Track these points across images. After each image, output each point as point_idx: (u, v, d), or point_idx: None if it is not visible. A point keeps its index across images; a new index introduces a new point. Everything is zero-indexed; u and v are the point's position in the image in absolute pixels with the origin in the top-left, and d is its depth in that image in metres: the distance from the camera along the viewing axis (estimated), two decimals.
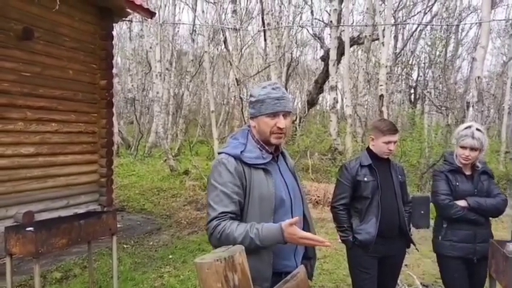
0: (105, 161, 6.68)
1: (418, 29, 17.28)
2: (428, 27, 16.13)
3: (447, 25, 12.85)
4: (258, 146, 1.85)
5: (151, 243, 5.80)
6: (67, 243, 3.11)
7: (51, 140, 5.78)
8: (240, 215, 1.75)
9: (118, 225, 6.35)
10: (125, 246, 5.56)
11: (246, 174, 1.75)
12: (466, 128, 2.80)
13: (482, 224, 2.77)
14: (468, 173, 2.85)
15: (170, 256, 5.14)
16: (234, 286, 1.28)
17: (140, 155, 15.89)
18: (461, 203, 2.76)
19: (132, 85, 21.05)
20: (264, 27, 10.92)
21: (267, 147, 1.86)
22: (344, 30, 13.22)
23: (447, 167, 2.89)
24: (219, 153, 1.83)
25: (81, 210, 5.88)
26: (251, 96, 1.87)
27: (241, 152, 1.78)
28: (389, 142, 2.77)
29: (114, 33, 7.26)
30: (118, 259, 4.83)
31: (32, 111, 5.44)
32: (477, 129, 2.75)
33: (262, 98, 1.80)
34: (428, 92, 13.53)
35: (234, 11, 12.00)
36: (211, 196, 1.74)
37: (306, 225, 1.91)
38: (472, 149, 2.74)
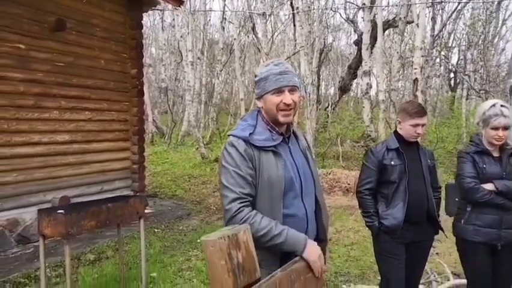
0: (137, 148, 6.88)
1: (457, 9, 16.43)
2: (468, 7, 15.33)
3: (483, 2, 12.08)
4: (268, 127, 1.78)
5: (181, 227, 5.94)
6: (95, 225, 3.23)
7: (85, 128, 6.00)
8: (254, 198, 1.72)
9: (150, 211, 6.58)
10: (156, 230, 5.72)
11: (256, 157, 1.71)
12: (491, 106, 2.61)
13: (510, 209, 2.60)
14: (496, 154, 2.68)
15: (199, 240, 5.24)
16: (238, 264, 1.28)
17: (174, 143, 16.24)
18: (489, 186, 2.60)
19: (165, 75, 21.44)
20: (292, 11, 10.74)
21: (277, 128, 1.79)
22: (377, 14, 12.79)
23: (473, 148, 2.72)
24: (229, 135, 1.79)
25: (114, 195, 6.10)
26: (255, 76, 1.81)
27: (249, 134, 1.73)
28: (416, 125, 2.65)
29: (148, 24, 7.43)
30: (149, 243, 4.99)
31: (66, 100, 5.66)
32: (502, 106, 2.58)
33: (265, 75, 1.74)
34: (466, 75, 12.90)
35: None
36: (225, 178, 1.70)
37: (318, 208, 1.87)
38: (505, 128, 2.57)
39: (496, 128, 2.59)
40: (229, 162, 1.71)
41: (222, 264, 1.26)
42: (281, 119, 1.75)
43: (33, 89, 5.24)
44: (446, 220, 3.13)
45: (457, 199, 5.00)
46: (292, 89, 1.74)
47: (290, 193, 1.74)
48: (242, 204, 1.65)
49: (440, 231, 2.85)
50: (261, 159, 1.72)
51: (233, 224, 1.63)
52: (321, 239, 1.87)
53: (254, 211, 1.67)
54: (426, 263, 3.13)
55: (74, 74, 5.76)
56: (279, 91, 1.73)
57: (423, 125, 2.69)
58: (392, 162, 2.70)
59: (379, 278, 2.98)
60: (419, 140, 2.86)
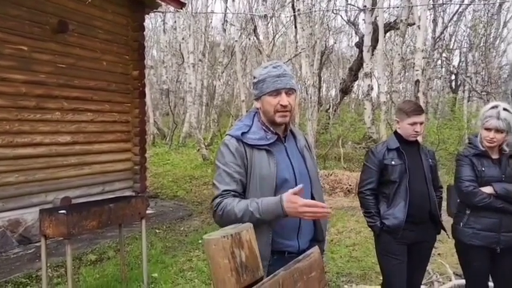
0: (138, 149, 6.89)
1: (458, 11, 16.44)
2: (470, 9, 15.33)
3: (485, 4, 12.05)
4: (263, 127, 1.85)
5: (182, 228, 5.94)
6: (97, 226, 3.24)
7: (87, 129, 6.01)
8: (242, 194, 1.77)
9: (151, 211, 6.58)
10: (157, 231, 5.72)
11: (248, 154, 1.77)
12: (491, 108, 2.59)
13: (510, 213, 2.56)
14: (495, 156, 2.65)
15: (200, 241, 5.23)
16: (241, 262, 1.28)
17: (175, 145, 16.26)
18: (487, 189, 2.56)
19: (167, 77, 21.44)
20: (294, 12, 10.75)
21: (272, 129, 1.85)
22: (378, 16, 12.79)
23: (472, 150, 2.69)
24: (226, 135, 1.86)
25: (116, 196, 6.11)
26: (253, 77, 1.87)
27: (243, 133, 1.79)
28: (414, 123, 2.64)
29: (149, 26, 7.46)
30: (150, 243, 4.99)
31: (68, 102, 5.68)
32: (504, 109, 2.53)
33: (263, 77, 1.80)
34: (468, 76, 12.90)
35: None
36: (215, 176, 1.80)
37: None
38: (497, 130, 2.53)
39: (488, 129, 2.57)
40: (219, 160, 1.80)
41: (225, 263, 1.25)
42: (278, 119, 1.81)
43: (36, 90, 5.25)
44: (447, 221, 3.13)
45: (458, 200, 4.96)
46: (289, 91, 1.80)
47: (282, 190, 1.74)
48: (222, 197, 1.72)
49: (442, 231, 2.84)
50: (253, 157, 1.77)
51: (217, 217, 1.71)
52: (318, 239, 1.88)
53: (231, 198, 1.71)
54: (428, 264, 3.12)
55: (76, 75, 5.78)
56: (276, 93, 1.78)
57: (421, 123, 2.67)
58: (393, 162, 2.69)
59: (381, 278, 2.98)
60: (420, 140, 2.86)
